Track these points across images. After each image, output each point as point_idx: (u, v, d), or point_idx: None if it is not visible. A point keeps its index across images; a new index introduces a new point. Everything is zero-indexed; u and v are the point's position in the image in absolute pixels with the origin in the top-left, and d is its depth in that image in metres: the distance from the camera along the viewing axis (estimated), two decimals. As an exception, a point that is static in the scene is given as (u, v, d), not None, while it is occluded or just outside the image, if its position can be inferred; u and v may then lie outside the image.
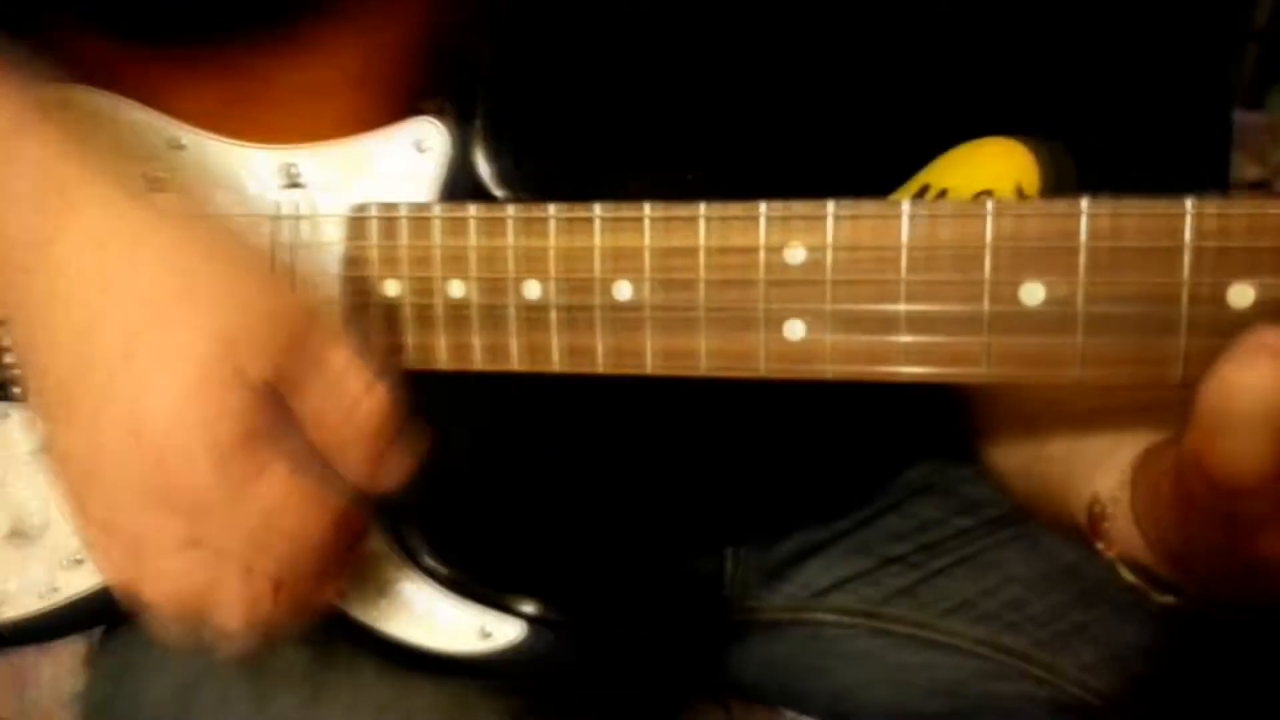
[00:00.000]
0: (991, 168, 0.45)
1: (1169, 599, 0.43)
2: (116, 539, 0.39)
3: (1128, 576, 0.44)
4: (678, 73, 0.49)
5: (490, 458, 0.52)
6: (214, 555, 0.38)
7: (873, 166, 0.44)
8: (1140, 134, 0.52)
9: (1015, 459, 0.55)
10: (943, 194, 0.45)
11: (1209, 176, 0.54)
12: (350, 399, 0.38)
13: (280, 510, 0.38)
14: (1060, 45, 0.52)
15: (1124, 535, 0.42)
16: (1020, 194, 0.44)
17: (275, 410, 0.38)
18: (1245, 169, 1.65)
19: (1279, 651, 0.61)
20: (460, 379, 0.44)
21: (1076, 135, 0.46)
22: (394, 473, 0.40)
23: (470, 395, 0.45)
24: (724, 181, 0.41)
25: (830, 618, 0.70)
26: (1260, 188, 1.65)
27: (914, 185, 0.47)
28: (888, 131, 0.48)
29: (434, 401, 0.42)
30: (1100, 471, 0.44)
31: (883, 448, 0.70)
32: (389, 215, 0.42)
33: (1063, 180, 0.44)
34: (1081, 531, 0.46)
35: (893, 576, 0.69)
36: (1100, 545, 0.44)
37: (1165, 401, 0.37)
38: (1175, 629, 0.63)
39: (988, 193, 0.43)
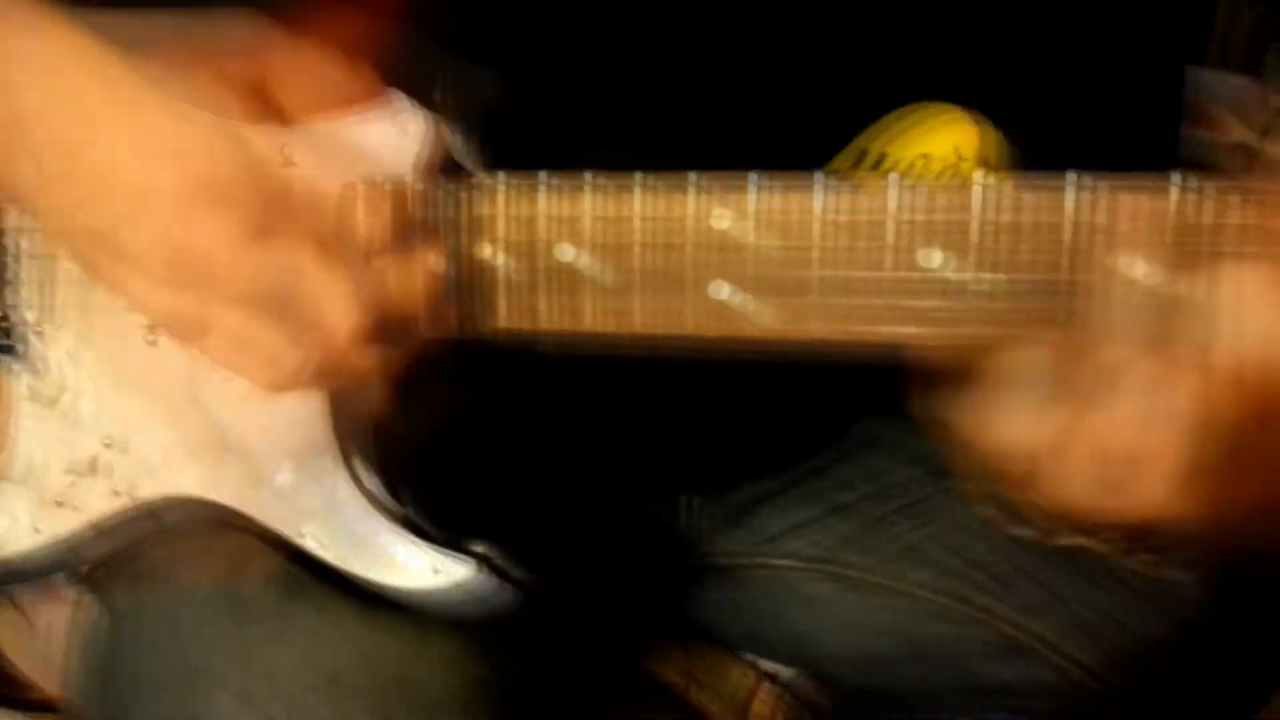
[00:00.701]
0: (931, 133, 0.48)
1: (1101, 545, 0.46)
2: (163, 315, 0.45)
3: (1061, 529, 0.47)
4: (636, 50, 0.52)
5: (448, 405, 0.55)
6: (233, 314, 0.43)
7: (817, 134, 0.47)
8: (1079, 111, 0.54)
9: (961, 418, 0.58)
10: (881, 158, 0.47)
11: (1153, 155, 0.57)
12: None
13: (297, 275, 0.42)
14: (1004, 22, 0.54)
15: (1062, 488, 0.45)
16: (959, 157, 0.47)
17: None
18: (1231, 131, 1.66)
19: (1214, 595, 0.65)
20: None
21: (1012, 109, 0.49)
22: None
23: (427, 347, 0.48)
24: (679, 152, 0.43)
25: (786, 563, 0.74)
26: (1243, 151, 1.66)
27: (854, 150, 0.50)
28: (830, 101, 0.51)
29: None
30: (1037, 422, 0.47)
31: (832, 399, 0.73)
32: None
33: (999, 153, 0.47)
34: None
35: (842, 523, 0.73)
36: (1037, 496, 0.47)
37: None
38: (1108, 573, 0.66)
39: (926, 156, 0.46)
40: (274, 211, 0.43)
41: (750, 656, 0.81)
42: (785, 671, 0.81)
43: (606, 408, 0.64)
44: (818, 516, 0.73)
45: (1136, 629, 0.64)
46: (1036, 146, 0.41)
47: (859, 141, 0.49)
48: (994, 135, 0.48)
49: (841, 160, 0.50)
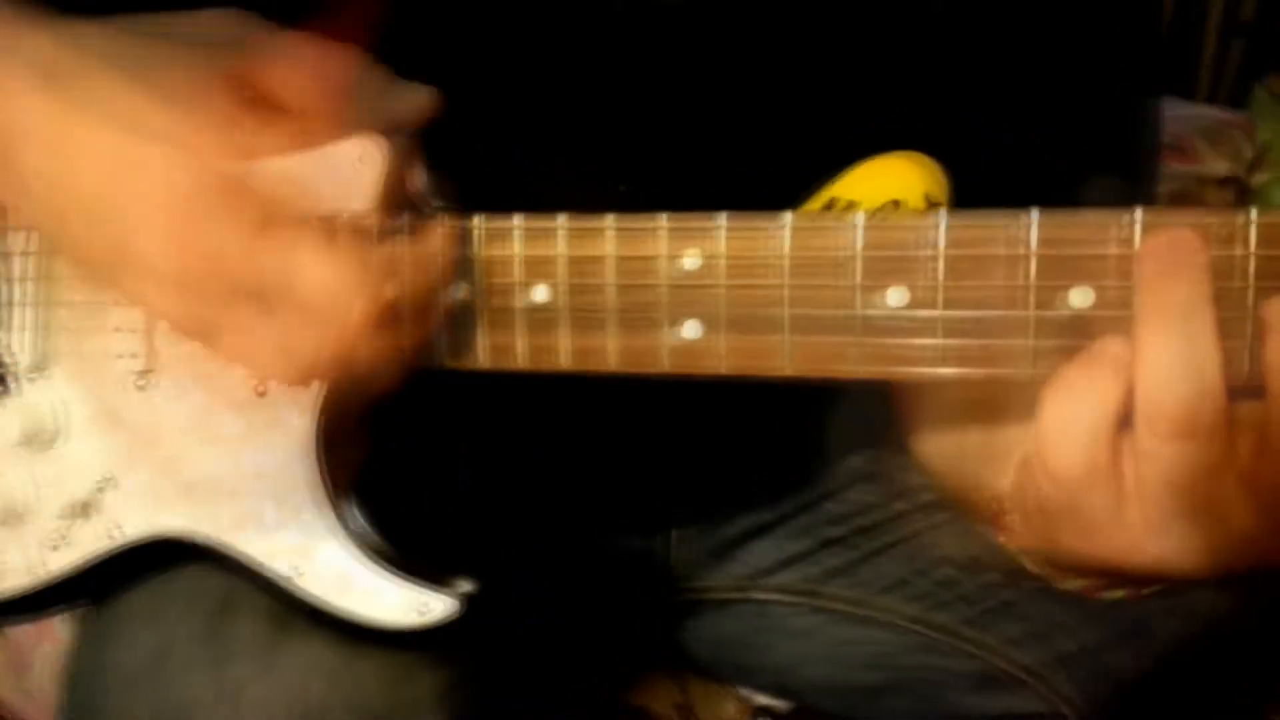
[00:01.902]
0: (899, 180, 0.49)
1: (1074, 584, 0.47)
2: (180, 318, 0.46)
3: (1030, 566, 0.48)
4: (605, 91, 0.53)
5: (434, 443, 0.56)
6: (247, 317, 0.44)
7: (783, 182, 0.48)
8: (1052, 151, 0.55)
9: (938, 452, 0.59)
10: (850, 206, 0.48)
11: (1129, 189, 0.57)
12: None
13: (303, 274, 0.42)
14: (974, 65, 0.55)
15: (1019, 529, 0.46)
16: (929, 202, 0.48)
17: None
18: (1216, 165, 1.68)
19: (1193, 628, 0.65)
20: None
21: (983, 153, 0.50)
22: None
23: (414, 383, 0.49)
24: (652, 194, 0.44)
25: (774, 596, 0.74)
26: (1230, 184, 1.68)
27: (823, 198, 0.51)
28: (797, 149, 0.51)
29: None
30: (1004, 467, 0.48)
31: (821, 437, 0.74)
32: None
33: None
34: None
35: (832, 557, 0.73)
36: (1003, 538, 0.48)
37: None
38: (1091, 609, 0.67)
39: (898, 203, 0.47)
40: (273, 203, 0.44)
41: (744, 691, 0.81)
42: (780, 705, 0.81)
43: (597, 443, 0.65)
44: (808, 550, 0.74)
45: (1121, 663, 0.65)
46: (1010, 191, 0.42)
47: (827, 190, 0.50)
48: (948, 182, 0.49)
49: (809, 207, 0.50)
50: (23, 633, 0.99)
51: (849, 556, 0.73)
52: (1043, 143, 0.55)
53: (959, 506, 0.59)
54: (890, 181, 0.49)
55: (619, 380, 0.44)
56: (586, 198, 0.44)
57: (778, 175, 0.45)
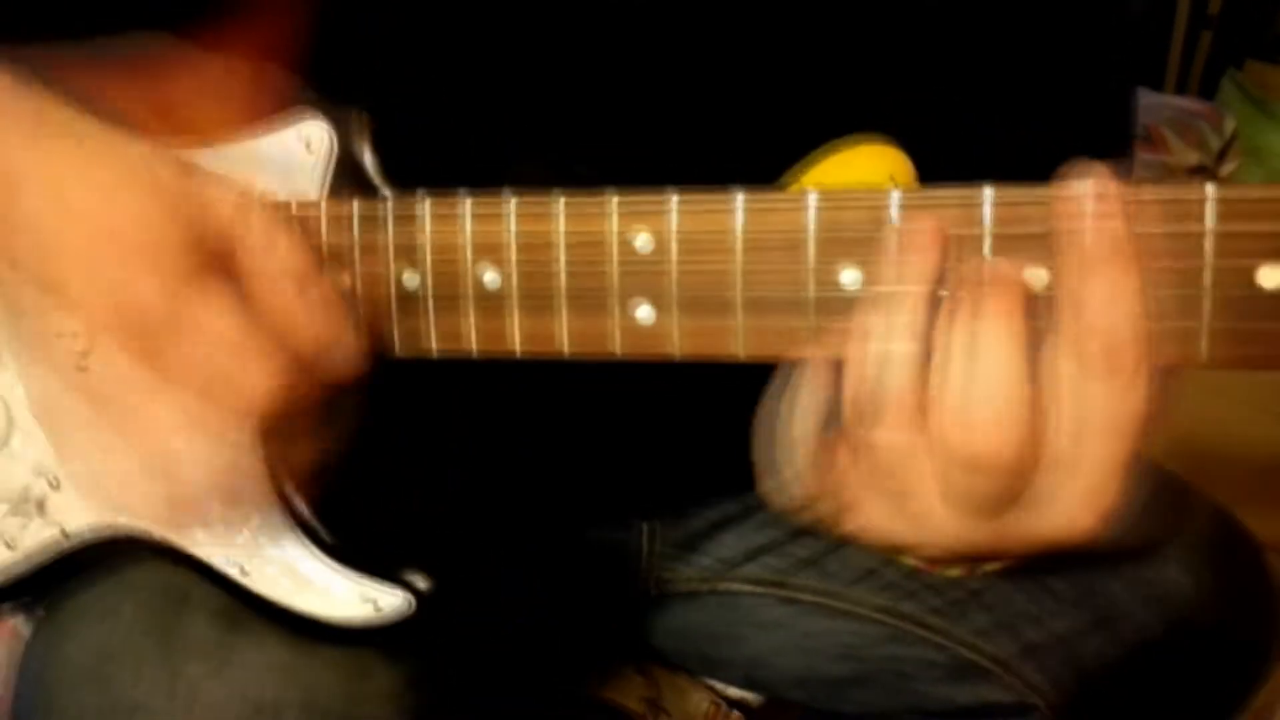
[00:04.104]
0: (870, 171, 0.48)
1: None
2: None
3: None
4: (562, 69, 0.52)
5: (397, 436, 0.55)
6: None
7: (751, 166, 0.47)
8: (1025, 137, 0.54)
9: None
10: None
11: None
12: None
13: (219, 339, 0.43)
14: (947, 51, 0.54)
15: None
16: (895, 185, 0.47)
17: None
18: (1186, 155, 1.69)
19: (1162, 617, 0.65)
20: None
21: (952, 138, 0.49)
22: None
23: (378, 373, 0.48)
24: (611, 177, 0.44)
25: (743, 588, 0.73)
26: (1200, 173, 1.69)
27: (795, 189, 0.50)
28: (766, 134, 0.51)
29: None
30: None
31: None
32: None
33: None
34: None
35: (800, 548, 0.73)
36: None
37: None
38: (1060, 598, 0.67)
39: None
40: (197, 253, 0.43)
41: (708, 680, 0.81)
42: (751, 697, 0.81)
43: (566, 436, 0.64)
44: (776, 542, 0.73)
45: (1089, 653, 0.65)
46: (979, 174, 0.41)
47: (796, 182, 0.50)
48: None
49: None
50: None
51: (817, 547, 0.72)
52: (1015, 131, 0.55)
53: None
54: (861, 172, 0.49)
55: (586, 371, 0.43)
56: (543, 179, 0.43)
57: (743, 161, 0.45)
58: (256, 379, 0.43)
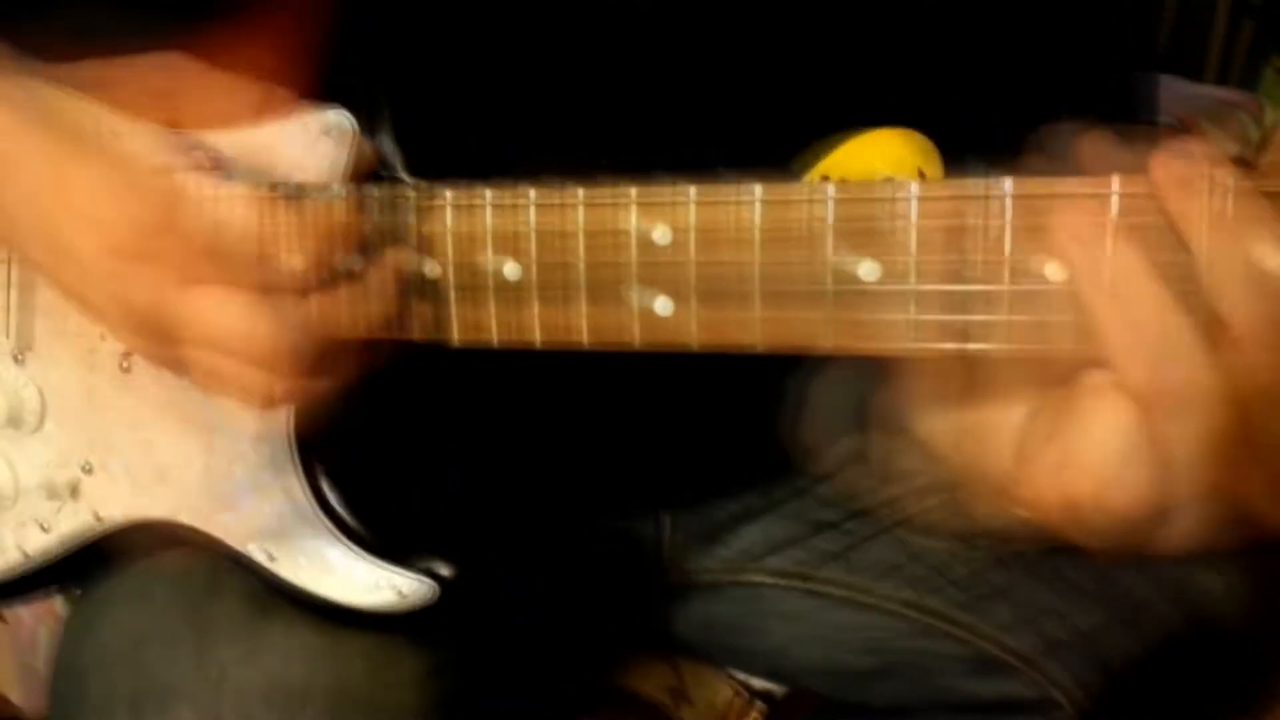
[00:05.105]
0: (891, 156, 0.48)
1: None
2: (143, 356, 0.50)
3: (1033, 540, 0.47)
4: (580, 60, 0.52)
5: (417, 422, 0.55)
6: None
7: (773, 155, 0.47)
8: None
9: (942, 432, 0.58)
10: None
11: None
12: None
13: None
14: (956, 47, 0.54)
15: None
16: (922, 177, 0.47)
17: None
18: (1224, 147, 1.65)
19: (1187, 615, 0.64)
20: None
21: (979, 130, 0.49)
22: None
23: (401, 362, 0.49)
24: (635, 170, 0.44)
25: (767, 580, 0.73)
26: (1241, 162, 1.64)
27: (813, 175, 0.50)
28: (787, 123, 0.51)
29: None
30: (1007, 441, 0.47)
31: (812, 421, 0.73)
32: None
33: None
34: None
35: (825, 542, 0.72)
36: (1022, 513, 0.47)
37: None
38: (1085, 594, 0.66)
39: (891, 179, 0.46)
40: (200, 256, 0.44)
41: (732, 671, 0.81)
42: (774, 688, 0.81)
43: (587, 426, 0.64)
44: (800, 535, 0.73)
45: (1113, 650, 0.64)
46: (1003, 167, 0.41)
47: (816, 167, 0.49)
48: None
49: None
50: (27, 612, 1.00)
51: (841, 541, 0.72)
52: (1035, 118, 0.54)
53: (961, 487, 0.58)
54: (881, 157, 0.48)
55: (609, 361, 0.44)
56: (567, 173, 0.43)
57: (765, 151, 0.45)
58: (276, 378, 0.44)
